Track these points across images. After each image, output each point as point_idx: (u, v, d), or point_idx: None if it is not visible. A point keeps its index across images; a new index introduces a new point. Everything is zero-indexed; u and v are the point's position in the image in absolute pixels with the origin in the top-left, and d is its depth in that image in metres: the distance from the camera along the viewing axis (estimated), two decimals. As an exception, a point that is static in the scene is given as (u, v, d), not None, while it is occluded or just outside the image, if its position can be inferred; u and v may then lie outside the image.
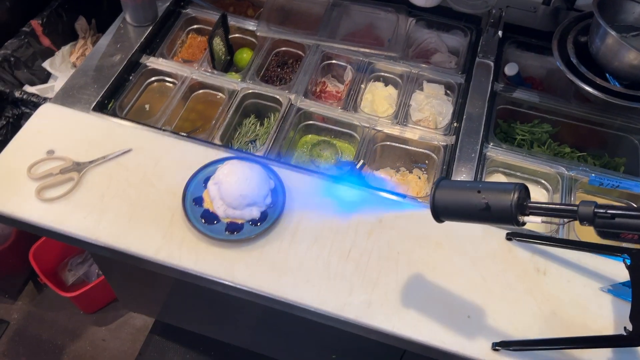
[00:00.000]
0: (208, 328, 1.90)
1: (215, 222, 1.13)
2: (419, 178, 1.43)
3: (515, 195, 0.77)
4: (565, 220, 0.80)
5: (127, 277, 1.64)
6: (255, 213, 1.13)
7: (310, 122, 1.45)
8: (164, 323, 2.12)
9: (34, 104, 1.57)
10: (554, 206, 0.82)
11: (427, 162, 1.42)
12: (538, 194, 1.33)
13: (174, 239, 1.12)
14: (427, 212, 1.18)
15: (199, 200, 1.16)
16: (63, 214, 1.13)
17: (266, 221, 1.13)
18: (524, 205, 0.78)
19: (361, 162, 1.26)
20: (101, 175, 1.20)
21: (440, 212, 0.86)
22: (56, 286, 1.96)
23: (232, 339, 1.92)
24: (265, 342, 1.78)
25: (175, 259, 1.09)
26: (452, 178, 1.27)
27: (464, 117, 1.38)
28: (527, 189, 0.80)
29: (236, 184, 1.10)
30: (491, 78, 1.47)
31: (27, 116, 1.63)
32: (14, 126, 1.64)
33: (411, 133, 1.39)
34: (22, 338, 2.10)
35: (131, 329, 2.15)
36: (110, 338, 2.13)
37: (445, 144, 1.36)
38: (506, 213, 0.77)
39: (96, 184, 1.18)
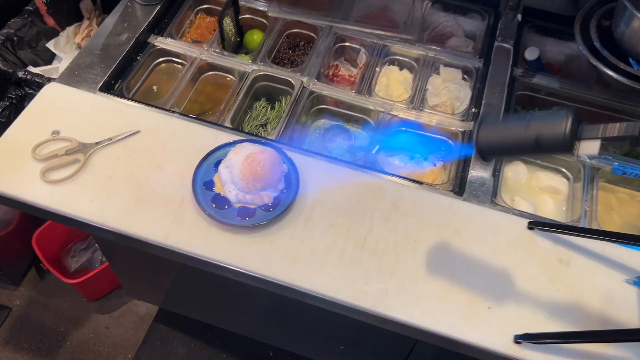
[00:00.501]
0: (213, 316, 1.86)
1: (226, 207, 1.09)
2: (434, 165, 1.39)
3: (568, 125, 0.72)
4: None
5: (131, 264, 1.61)
6: (268, 198, 1.09)
7: (323, 106, 1.41)
8: (168, 311, 2.09)
9: (37, 84, 1.52)
10: (613, 125, 0.74)
11: (443, 148, 1.37)
12: (559, 183, 1.29)
13: (184, 224, 1.08)
14: (446, 199, 1.15)
15: (209, 184, 1.12)
16: (69, 197, 1.09)
17: (279, 207, 1.09)
18: (577, 132, 0.73)
19: (376, 147, 1.22)
20: (108, 157, 1.16)
21: (487, 151, 0.80)
22: (59, 272, 1.92)
23: (238, 327, 1.88)
24: (272, 331, 1.74)
25: (184, 244, 1.06)
26: (471, 166, 1.22)
27: (483, 102, 1.33)
28: (579, 115, 0.74)
29: (249, 168, 1.06)
30: (510, 63, 1.42)
31: (30, 97, 1.58)
32: (17, 107, 1.60)
33: (427, 118, 1.35)
34: (24, 325, 2.07)
35: (135, 316, 2.12)
36: (113, 326, 2.10)
37: (463, 129, 1.32)
38: (560, 143, 0.73)
39: (103, 166, 1.14)
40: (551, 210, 1.26)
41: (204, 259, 1.05)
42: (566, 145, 0.73)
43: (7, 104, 1.59)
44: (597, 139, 0.72)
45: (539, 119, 0.76)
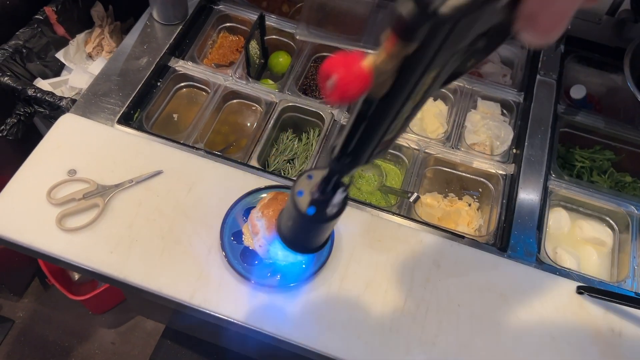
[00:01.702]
0: (224, 340, 1.80)
1: (256, 262, 1.01)
2: (469, 205, 1.31)
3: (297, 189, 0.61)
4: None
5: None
6: (301, 256, 1.01)
7: (354, 140, 1.32)
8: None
9: (48, 103, 1.43)
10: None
11: (480, 190, 1.30)
12: (603, 234, 1.22)
13: (211, 281, 1.00)
14: (489, 258, 1.08)
15: (238, 236, 1.04)
16: (87, 247, 1.02)
17: (313, 264, 1.02)
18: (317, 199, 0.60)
19: (414, 195, 1.14)
20: (129, 202, 1.07)
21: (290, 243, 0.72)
22: (63, 282, 1.85)
23: (251, 352, 1.82)
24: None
25: (211, 304, 0.98)
26: (515, 213, 1.15)
27: (526, 143, 1.25)
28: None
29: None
30: (554, 99, 1.34)
31: (39, 115, 1.49)
32: (26, 125, 1.51)
33: (464, 158, 1.27)
34: (27, 338, 2.01)
35: (142, 332, 2.06)
36: (119, 342, 2.04)
37: (504, 173, 1.24)
38: (310, 220, 0.61)
39: (123, 212, 1.06)
40: (595, 264, 1.20)
41: (234, 322, 0.97)
42: (317, 219, 0.61)
43: (15, 120, 1.49)
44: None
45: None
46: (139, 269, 1.00)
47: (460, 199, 1.33)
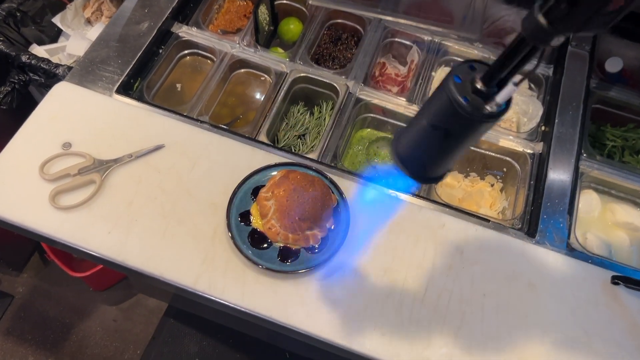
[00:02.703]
0: (226, 319, 1.74)
1: (265, 245, 0.94)
2: (492, 186, 1.23)
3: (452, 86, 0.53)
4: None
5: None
6: (314, 239, 0.93)
7: (369, 114, 1.23)
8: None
9: (43, 70, 1.34)
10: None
11: (504, 169, 1.21)
12: (637, 218, 1.13)
13: (217, 265, 0.93)
14: (517, 243, 1.00)
15: (245, 216, 0.96)
16: (83, 227, 0.94)
17: (327, 248, 0.94)
18: (477, 89, 0.53)
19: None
20: (128, 178, 0.99)
21: (405, 160, 0.64)
22: (63, 258, 1.78)
23: (254, 331, 1.77)
24: (294, 342, 1.62)
25: (217, 290, 0.91)
26: (544, 195, 1.06)
27: (556, 120, 1.16)
28: (466, 65, 0.56)
29: (295, 203, 0.90)
30: (586, 72, 1.24)
31: (35, 83, 1.40)
32: (20, 93, 1.42)
33: (489, 135, 1.18)
34: (27, 314, 1.96)
35: (144, 310, 2.00)
36: (121, 319, 1.98)
37: (532, 152, 1.15)
38: (459, 115, 0.54)
39: (122, 189, 0.98)
40: (627, 251, 1.11)
41: (241, 309, 0.90)
42: (470, 113, 0.53)
43: (9, 89, 1.41)
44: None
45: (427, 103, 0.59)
46: (139, 251, 0.93)
47: (482, 179, 1.24)
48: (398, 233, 0.98)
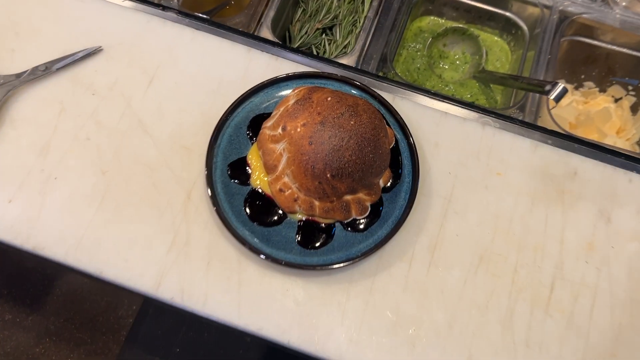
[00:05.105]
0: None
1: (274, 218, 0.54)
2: (614, 102, 0.80)
3: None
4: None
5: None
6: (359, 208, 0.53)
7: (433, -7, 0.79)
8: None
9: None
10: None
11: (642, 77, 0.78)
12: None
13: (192, 253, 0.54)
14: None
15: (239, 168, 0.56)
16: (-37, 193, 0.55)
17: (380, 223, 0.54)
18: None
19: (558, 86, 0.63)
20: (41, 105, 0.59)
21: None
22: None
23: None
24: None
25: (195, 299, 0.53)
26: None
27: None
28: None
29: (325, 147, 0.50)
30: None
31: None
32: None
33: (624, 21, 0.74)
34: (1, 266, 1.65)
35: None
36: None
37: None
38: None
39: (31, 125, 0.58)
40: None
41: (236, 327, 0.53)
42: None
43: None
44: None
45: None
46: (60, 232, 0.54)
47: (602, 91, 0.82)
48: (499, 191, 0.58)
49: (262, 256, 0.51)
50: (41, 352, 1.57)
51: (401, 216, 0.53)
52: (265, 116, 0.57)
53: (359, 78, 0.62)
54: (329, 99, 0.51)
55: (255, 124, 0.57)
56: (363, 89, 0.59)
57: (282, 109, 0.52)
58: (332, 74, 0.59)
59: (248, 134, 0.57)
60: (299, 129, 0.49)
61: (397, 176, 0.56)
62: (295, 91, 0.54)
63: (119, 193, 0.56)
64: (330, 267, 0.51)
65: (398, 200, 0.55)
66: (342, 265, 0.51)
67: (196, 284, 0.53)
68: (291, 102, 0.52)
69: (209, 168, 0.54)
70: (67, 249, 0.54)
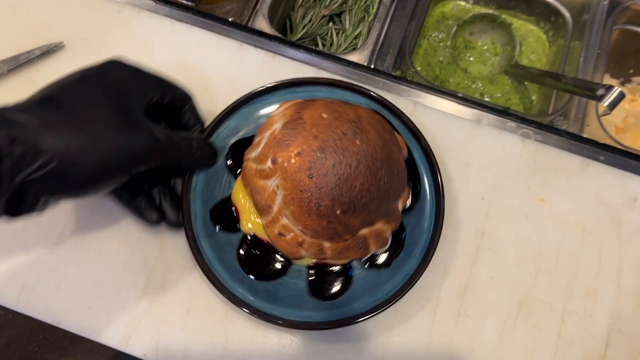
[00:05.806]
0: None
1: (279, 267, 0.44)
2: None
3: None
4: None
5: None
6: (379, 240, 0.43)
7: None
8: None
9: None
10: None
11: None
12: None
13: (168, 301, 0.45)
14: None
15: (223, 212, 0.46)
16: None
17: (406, 250, 0.45)
18: None
19: (614, 91, 0.52)
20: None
21: None
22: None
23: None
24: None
25: (174, 359, 0.43)
26: None
27: None
28: None
29: (331, 177, 0.39)
30: None
31: None
32: None
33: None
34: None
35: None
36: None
37: None
38: None
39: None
40: None
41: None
42: None
43: None
44: None
45: None
46: (12, 271, 0.45)
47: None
48: (543, 222, 0.48)
49: (280, 322, 0.41)
50: (34, 349, 1.50)
51: (430, 241, 0.43)
52: (248, 141, 0.46)
53: (372, 80, 0.52)
54: (325, 115, 0.41)
55: (237, 151, 0.46)
56: (380, 100, 0.48)
57: (266, 134, 0.42)
58: (320, 78, 0.48)
59: (229, 164, 0.46)
60: (293, 160, 0.39)
61: (415, 193, 0.46)
62: (281, 109, 0.44)
63: (81, 224, 0.46)
64: (358, 320, 0.42)
65: (422, 222, 0.45)
66: (372, 315, 0.42)
67: (173, 338, 0.43)
68: (277, 125, 0.41)
69: (187, 221, 0.44)
70: (18, 293, 0.45)
